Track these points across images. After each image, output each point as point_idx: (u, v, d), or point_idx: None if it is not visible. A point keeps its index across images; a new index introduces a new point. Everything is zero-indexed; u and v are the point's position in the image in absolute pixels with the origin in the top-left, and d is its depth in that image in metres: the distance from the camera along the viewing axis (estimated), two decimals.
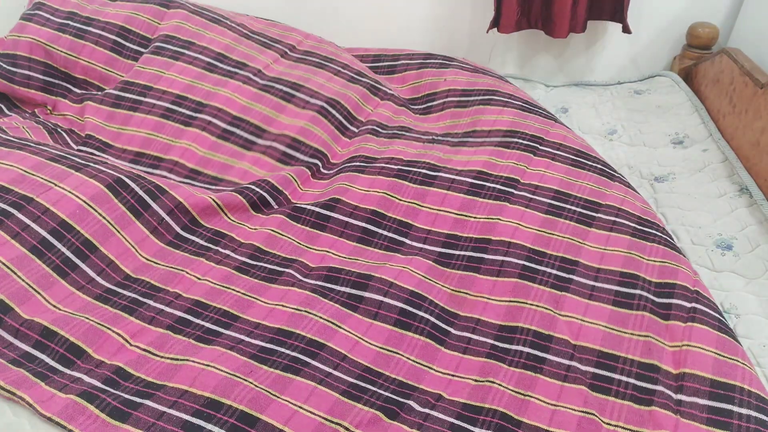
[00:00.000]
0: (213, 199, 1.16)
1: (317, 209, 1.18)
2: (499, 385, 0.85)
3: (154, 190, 1.11)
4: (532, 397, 0.83)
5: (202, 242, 1.12)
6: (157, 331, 0.92)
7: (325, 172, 1.32)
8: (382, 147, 1.33)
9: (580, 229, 1.09)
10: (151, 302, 0.97)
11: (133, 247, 1.06)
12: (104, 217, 1.04)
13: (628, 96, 1.67)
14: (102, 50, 1.50)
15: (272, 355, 0.87)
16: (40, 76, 1.51)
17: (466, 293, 1.01)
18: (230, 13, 1.67)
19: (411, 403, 0.84)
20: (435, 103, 1.50)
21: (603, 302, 0.97)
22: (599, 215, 1.12)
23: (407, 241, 1.11)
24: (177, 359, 0.87)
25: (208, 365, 0.84)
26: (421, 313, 0.96)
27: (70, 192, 1.03)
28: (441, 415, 0.82)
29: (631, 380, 0.86)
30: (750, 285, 1.05)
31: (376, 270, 1.02)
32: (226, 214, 1.18)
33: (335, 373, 0.86)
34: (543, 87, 1.81)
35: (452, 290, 1.01)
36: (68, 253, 0.99)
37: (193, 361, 0.86)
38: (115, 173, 1.09)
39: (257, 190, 1.21)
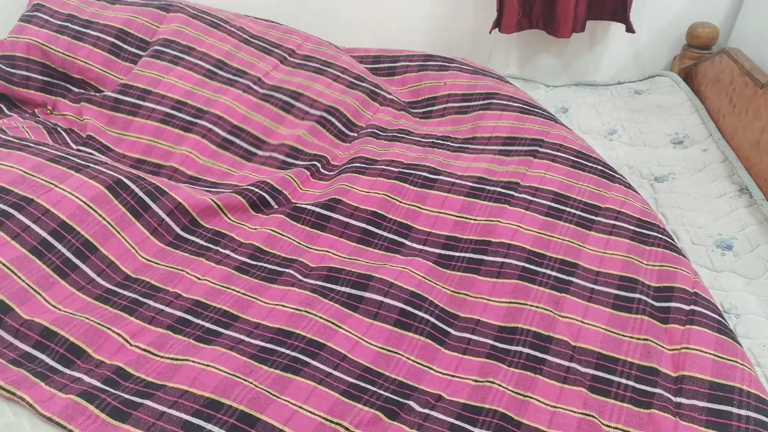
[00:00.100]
0: (213, 200, 1.16)
1: (317, 209, 1.18)
2: (499, 385, 0.85)
3: (153, 191, 1.11)
4: (531, 398, 0.83)
5: (202, 242, 1.12)
6: (157, 331, 0.92)
7: (325, 172, 1.32)
8: (383, 149, 1.33)
9: (580, 232, 1.10)
10: (151, 302, 0.97)
11: (133, 248, 1.06)
12: (104, 218, 1.04)
13: (628, 96, 1.67)
14: (100, 52, 1.50)
15: (272, 355, 0.87)
16: (39, 76, 1.51)
17: (466, 294, 1.01)
18: (230, 15, 1.67)
19: (411, 403, 0.84)
20: (435, 108, 1.50)
21: (602, 305, 0.97)
22: (599, 218, 1.13)
23: (407, 243, 1.11)
24: (177, 359, 0.87)
25: (208, 365, 0.85)
26: (421, 314, 0.96)
27: (70, 193, 1.03)
28: (441, 416, 0.82)
29: (631, 383, 0.86)
30: (750, 285, 1.05)
31: (377, 270, 1.02)
32: (225, 215, 1.18)
33: (335, 373, 0.86)
34: (543, 87, 1.81)
35: (452, 291, 1.02)
36: (68, 254, 0.99)
37: (193, 361, 0.86)
38: (115, 174, 1.09)
39: (257, 190, 1.21)
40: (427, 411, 0.83)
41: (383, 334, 0.93)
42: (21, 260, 0.95)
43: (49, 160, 1.08)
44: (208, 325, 0.94)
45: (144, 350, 0.89)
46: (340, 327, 0.93)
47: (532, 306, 0.96)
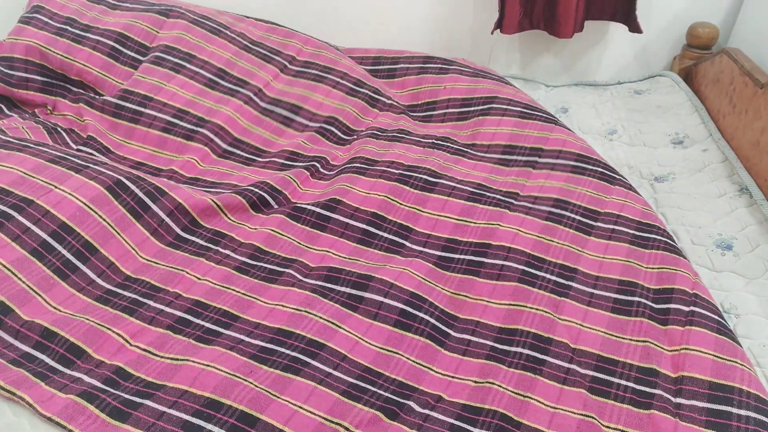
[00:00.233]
0: (213, 200, 1.16)
1: (317, 209, 1.18)
2: (499, 386, 0.85)
3: (153, 192, 1.11)
4: (531, 398, 0.83)
5: (202, 242, 1.12)
6: (157, 331, 0.93)
7: (325, 172, 1.32)
8: (383, 150, 1.34)
9: (580, 237, 1.10)
10: (151, 302, 0.98)
11: (133, 249, 1.06)
12: (104, 219, 1.04)
13: (628, 96, 1.67)
14: (99, 55, 1.51)
15: (272, 355, 0.88)
16: (38, 77, 1.52)
17: (466, 296, 1.01)
18: (230, 20, 1.67)
19: (411, 403, 0.84)
20: (435, 113, 1.51)
21: (602, 309, 0.98)
22: (598, 224, 1.13)
23: (407, 244, 1.11)
24: (177, 359, 0.87)
25: (208, 365, 0.85)
26: (421, 315, 0.96)
27: (70, 194, 1.03)
28: (441, 416, 0.82)
29: (630, 384, 0.86)
30: (750, 285, 1.04)
31: (377, 271, 1.02)
32: (225, 215, 1.18)
33: (335, 373, 0.86)
34: (543, 87, 1.81)
35: (452, 293, 1.02)
36: (68, 256, 0.99)
37: (193, 361, 0.86)
38: (114, 175, 1.09)
39: (256, 191, 1.21)
40: (427, 411, 0.83)
41: (383, 334, 0.93)
42: (21, 262, 0.95)
43: (49, 161, 1.08)
44: (208, 325, 0.94)
45: (144, 350, 0.89)
46: (340, 327, 0.93)
47: (532, 308, 0.96)
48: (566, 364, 0.88)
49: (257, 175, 1.30)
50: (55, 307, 0.95)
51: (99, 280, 1.01)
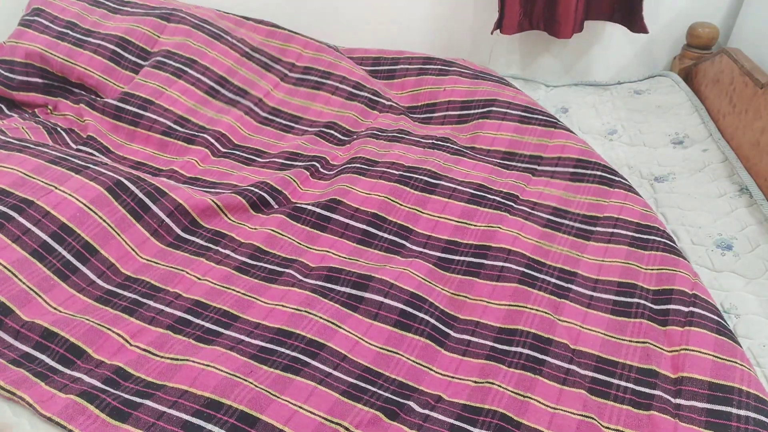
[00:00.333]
0: (213, 201, 1.16)
1: (318, 210, 1.18)
2: (499, 386, 0.85)
3: (153, 193, 1.11)
4: (531, 398, 0.84)
5: (202, 242, 1.12)
6: (157, 331, 0.93)
7: (325, 172, 1.32)
8: (383, 150, 1.34)
9: (579, 242, 1.11)
10: (151, 302, 0.98)
11: (134, 250, 1.06)
12: (104, 220, 1.04)
13: (628, 96, 1.67)
14: (100, 59, 1.51)
15: (272, 355, 0.88)
16: (39, 80, 1.52)
17: (466, 297, 1.01)
18: (230, 24, 1.67)
19: (411, 403, 0.84)
20: (435, 115, 1.52)
21: (601, 311, 0.98)
22: (597, 228, 1.14)
23: (408, 245, 1.12)
24: (177, 359, 0.87)
25: (208, 365, 0.85)
26: (421, 315, 0.96)
27: (70, 195, 1.03)
28: (441, 416, 0.82)
29: (630, 385, 0.86)
30: (750, 285, 1.04)
31: (377, 271, 1.02)
32: (225, 215, 1.18)
33: (335, 373, 0.86)
34: (543, 87, 1.81)
35: (452, 294, 1.02)
36: (69, 257, 0.99)
37: (193, 361, 0.86)
38: (114, 175, 1.09)
39: (256, 191, 1.21)
40: (427, 411, 0.83)
41: (383, 334, 0.93)
42: (22, 263, 0.95)
43: (49, 162, 1.08)
44: (208, 325, 0.94)
45: (144, 350, 0.89)
46: (340, 327, 0.93)
47: (532, 309, 0.96)
48: (566, 365, 0.88)
49: (257, 175, 1.31)
50: (55, 308, 0.95)
51: (99, 281, 1.01)
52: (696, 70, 1.68)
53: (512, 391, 0.85)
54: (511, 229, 1.11)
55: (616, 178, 1.24)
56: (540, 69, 1.91)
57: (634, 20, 1.65)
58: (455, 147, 1.35)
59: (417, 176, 1.23)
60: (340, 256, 1.09)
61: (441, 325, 0.96)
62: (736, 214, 1.19)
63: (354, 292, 0.99)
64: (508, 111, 1.43)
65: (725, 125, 1.44)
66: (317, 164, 1.33)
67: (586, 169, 1.27)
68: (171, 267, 1.05)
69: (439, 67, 1.59)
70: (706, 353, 0.88)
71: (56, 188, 1.03)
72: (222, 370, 0.84)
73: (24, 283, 0.94)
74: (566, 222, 1.16)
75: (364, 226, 1.15)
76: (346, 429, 0.79)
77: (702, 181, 1.30)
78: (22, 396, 0.81)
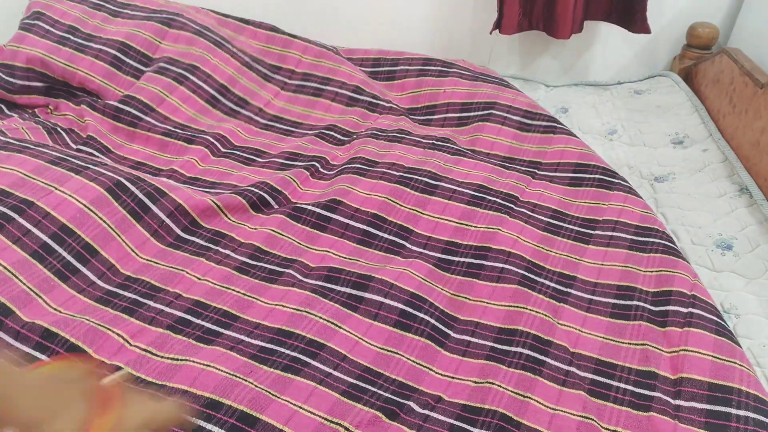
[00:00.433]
0: (213, 201, 1.16)
1: (318, 210, 1.18)
2: (499, 386, 0.85)
3: (153, 193, 1.11)
4: (531, 398, 0.84)
5: (202, 242, 1.12)
6: (157, 331, 0.93)
7: (325, 172, 1.33)
8: (383, 150, 1.34)
9: (578, 246, 1.12)
10: (151, 303, 0.98)
11: (134, 250, 1.06)
12: (105, 221, 1.04)
13: (628, 96, 1.67)
14: (101, 64, 1.52)
15: (272, 355, 0.88)
16: (40, 84, 1.53)
17: (466, 297, 1.01)
18: (230, 32, 1.67)
19: (411, 404, 0.84)
20: (435, 117, 1.52)
21: (600, 315, 0.98)
22: (596, 231, 1.14)
23: (408, 245, 1.12)
24: (177, 359, 0.87)
25: (208, 365, 0.85)
26: (421, 315, 0.96)
27: (70, 196, 1.03)
28: (441, 416, 0.82)
29: (629, 387, 0.86)
30: (750, 285, 1.05)
31: (377, 271, 1.02)
32: (225, 215, 1.18)
33: (335, 373, 0.86)
34: (543, 87, 1.81)
35: (452, 294, 1.02)
36: (69, 258, 0.99)
37: (193, 361, 0.86)
38: (114, 176, 1.09)
39: (256, 191, 1.22)
40: (426, 412, 0.83)
41: (383, 334, 0.93)
42: (22, 264, 0.95)
43: (49, 163, 1.08)
44: (208, 325, 0.94)
45: (144, 350, 0.89)
46: (340, 327, 0.93)
47: (532, 310, 0.96)
48: (565, 367, 0.88)
49: (257, 175, 1.31)
50: (55, 309, 0.95)
51: (99, 282, 1.01)
52: (696, 70, 1.68)
53: (512, 391, 0.85)
54: (511, 231, 1.11)
55: (616, 181, 1.24)
56: (540, 69, 1.91)
57: (633, 21, 1.65)
58: (455, 147, 1.35)
59: (417, 177, 1.23)
60: (340, 256, 1.10)
61: (441, 325, 0.96)
62: (736, 214, 1.19)
63: (354, 292, 0.99)
64: (508, 116, 1.43)
65: (725, 125, 1.44)
66: (317, 164, 1.33)
67: (585, 173, 1.27)
68: (171, 267, 1.05)
69: (439, 68, 1.59)
70: (705, 354, 0.88)
71: (56, 189, 1.03)
72: (222, 370, 0.84)
73: (24, 284, 0.94)
74: (565, 225, 1.16)
75: (364, 227, 1.15)
76: (346, 429, 0.79)
77: (702, 181, 1.30)
78: None
